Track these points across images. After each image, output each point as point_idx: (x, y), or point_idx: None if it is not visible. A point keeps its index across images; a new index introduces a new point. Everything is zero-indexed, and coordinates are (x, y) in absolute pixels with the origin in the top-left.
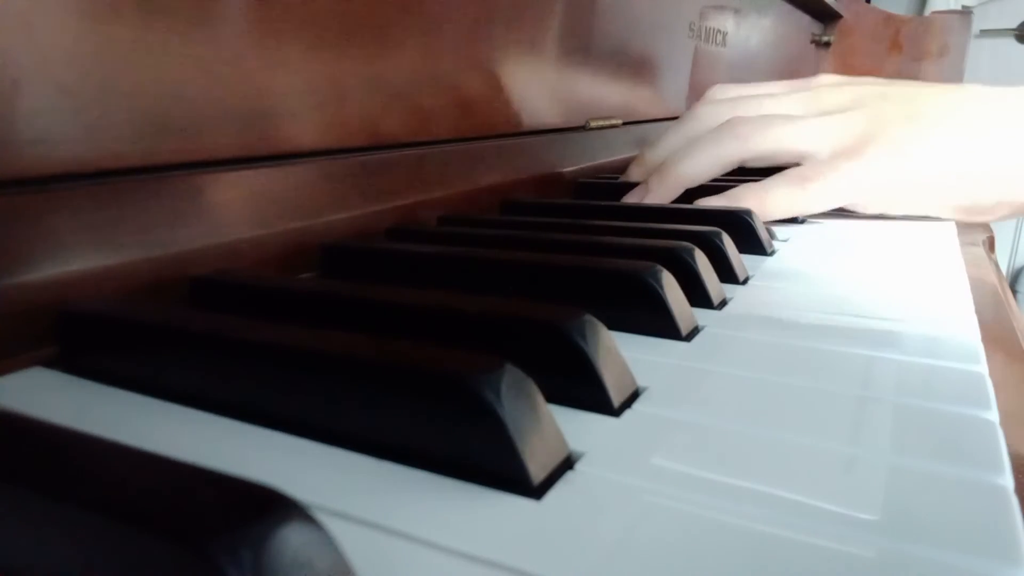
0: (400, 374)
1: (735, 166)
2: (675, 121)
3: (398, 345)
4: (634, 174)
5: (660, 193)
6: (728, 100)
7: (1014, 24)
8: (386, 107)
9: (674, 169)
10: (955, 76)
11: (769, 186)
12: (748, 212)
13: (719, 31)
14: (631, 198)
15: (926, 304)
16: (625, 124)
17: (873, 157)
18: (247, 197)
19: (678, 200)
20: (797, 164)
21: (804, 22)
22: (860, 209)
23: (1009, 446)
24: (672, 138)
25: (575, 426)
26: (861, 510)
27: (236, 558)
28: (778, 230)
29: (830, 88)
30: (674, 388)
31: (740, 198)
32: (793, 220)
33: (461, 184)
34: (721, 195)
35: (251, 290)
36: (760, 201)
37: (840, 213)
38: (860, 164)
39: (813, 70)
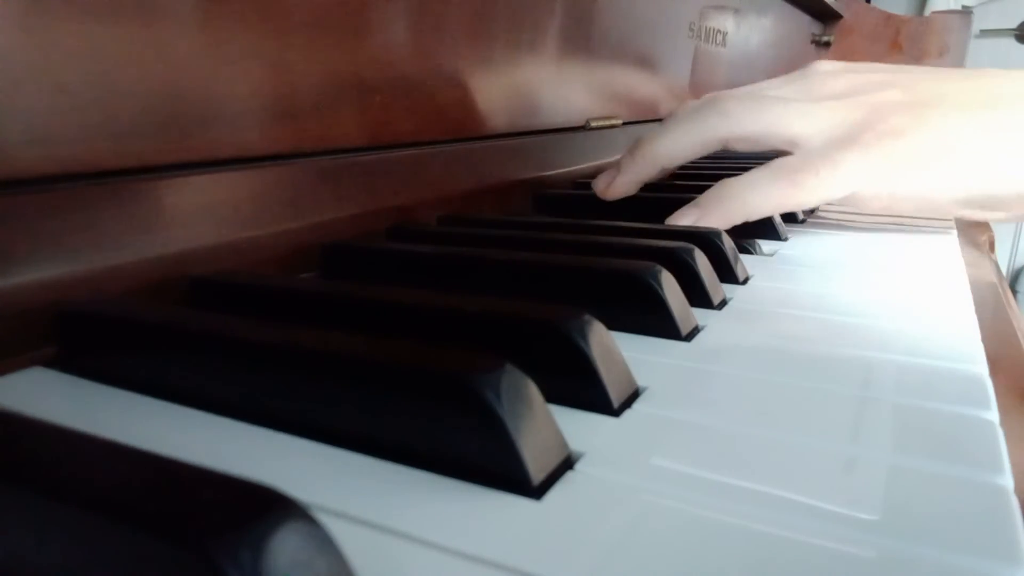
0: (400, 374)
1: (718, 147)
2: None
3: (398, 345)
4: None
5: (632, 172)
6: (715, 94)
7: (1014, 24)
8: (385, 107)
9: (648, 147)
10: None
11: (753, 180)
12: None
13: (719, 31)
14: (599, 183)
15: (926, 304)
16: (625, 124)
17: (871, 144)
18: (247, 197)
19: (656, 186)
20: (786, 152)
21: (804, 22)
22: (858, 205)
23: (1010, 447)
24: (654, 130)
25: (575, 426)
26: (861, 510)
27: (236, 558)
28: (765, 245)
29: (828, 74)
30: (674, 388)
31: (719, 197)
32: (794, 220)
33: (462, 184)
34: (693, 203)
35: (251, 290)
36: (742, 198)
37: (839, 223)
38: (856, 153)
39: None
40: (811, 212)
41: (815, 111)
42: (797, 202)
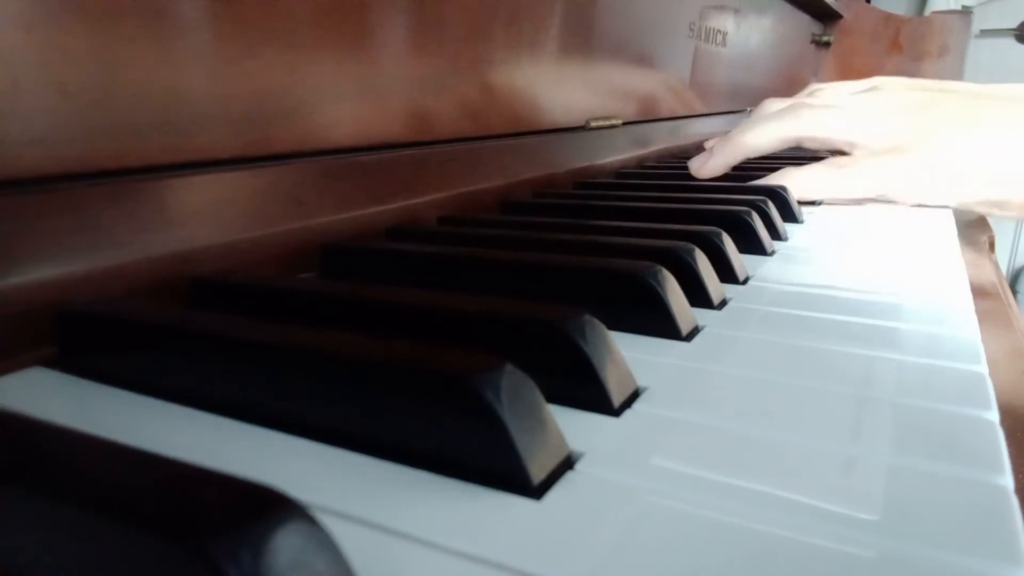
0: (400, 374)
1: (792, 143)
2: None
3: (398, 345)
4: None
5: (723, 156)
6: (794, 98)
7: (1014, 24)
8: (385, 107)
9: (739, 138)
10: (955, 76)
11: (807, 166)
12: (748, 212)
13: (719, 31)
14: (695, 161)
15: (926, 304)
16: (625, 124)
17: (913, 157)
18: (247, 197)
19: (729, 176)
20: (845, 153)
21: (804, 22)
22: (897, 199)
23: (1010, 448)
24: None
25: (575, 426)
26: (861, 510)
27: (236, 558)
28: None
29: (891, 91)
30: (674, 388)
31: (780, 175)
32: (794, 220)
33: (461, 184)
34: (771, 175)
35: (251, 290)
36: (795, 178)
37: (838, 224)
38: (899, 161)
39: (813, 70)
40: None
41: (872, 124)
42: (837, 188)
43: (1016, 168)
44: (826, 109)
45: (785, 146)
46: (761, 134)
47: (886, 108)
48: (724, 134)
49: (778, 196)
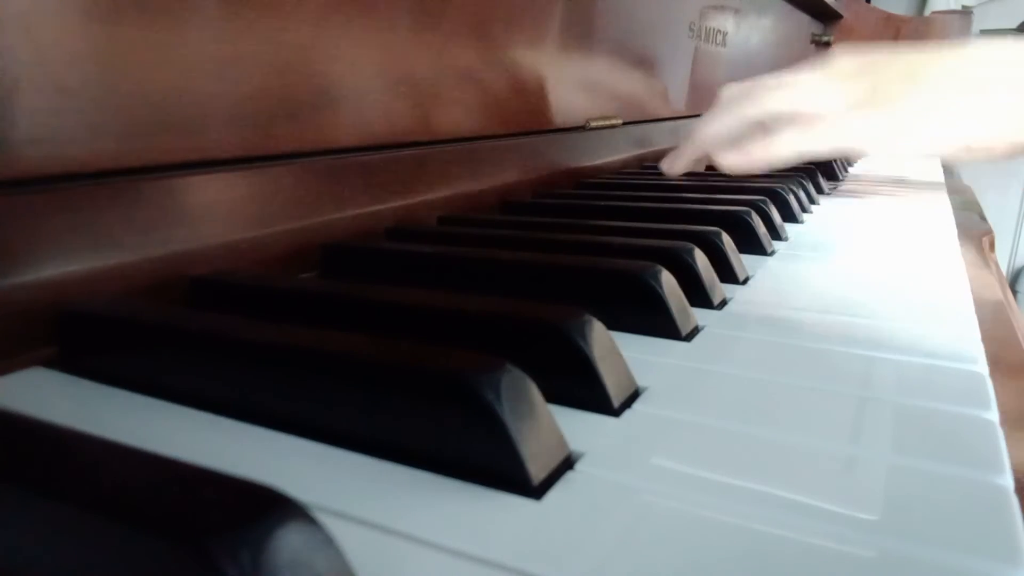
0: (400, 374)
1: (754, 126)
2: None
3: (398, 345)
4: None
5: (688, 151)
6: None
7: (1014, 24)
8: (385, 107)
9: (700, 129)
10: None
11: (777, 132)
12: (748, 212)
13: (719, 31)
14: (666, 162)
15: (926, 304)
16: (625, 124)
17: (876, 106)
18: (247, 197)
19: (702, 174)
20: None
21: (804, 22)
22: (866, 152)
23: (1010, 447)
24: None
25: (575, 426)
26: (861, 510)
27: (236, 558)
28: (779, 233)
29: (840, 58)
30: (674, 388)
31: (750, 152)
32: (794, 220)
33: (462, 184)
34: (736, 149)
35: (251, 290)
36: (767, 144)
37: (838, 226)
38: (865, 116)
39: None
40: (802, 221)
41: (831, 88)
42: (811, 146)
43: (973, 109)
44: (779, 85)
45: (745, 130)
46: (722, 120)
47: (836, 73)
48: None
49: (778, 196)
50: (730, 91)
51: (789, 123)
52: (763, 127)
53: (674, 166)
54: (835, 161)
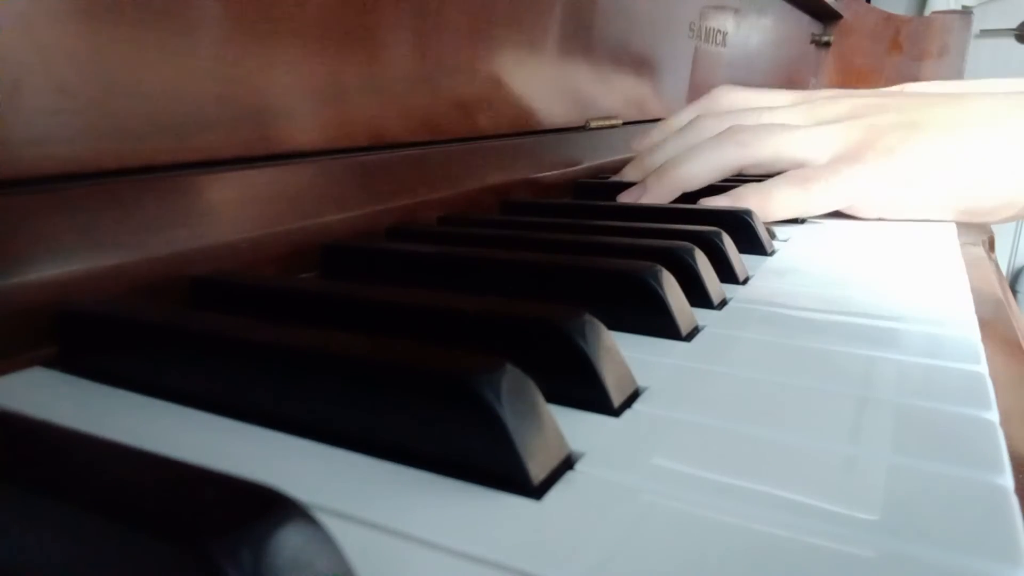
0: (400, 374)
1: (734, 172)
2: (675, 126)
3: (398, 345)
4: (630, 175)
5: (658, 193)
6: (729, 113)
7: (1014, 24)
8: (385, 107)
9: (674, 171)
10: (955, 76)
11: (772, 186)
12: (748, 212)
13: (719, 31)
14: (627, 197)
15: (926, 304)
16: (625, 124)
17: (871, 162)
18: (247, 197)
19: (676, 202)
20: None
21: (804, 22)
22: (860, 213)
23: (1010, 446)
24: (671, 146)
25: (575, 426)
26: (861, 510)
27: (236, 558)
28: (778, 230)
29: (828, 100)
30: (674, 388)
31: (743, 197)
32: (794, 220)
33: (462, 184)
34: (725, 195)
35: (251, 290)
36: (763, 201)
37: (840, 215)
38: (858, 169)
39: (813, 70)
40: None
41: (819, 135)
42: (805, 207)
43: (975, 168)
44: (765, 129)
45: (726, 175)
46: (699, 165)
47: (826, 116)
48: (646, 153)
49: None
50: (726, 96)
51: (783, 176)
52: (743, 172)
53: (643, 200)
54: None
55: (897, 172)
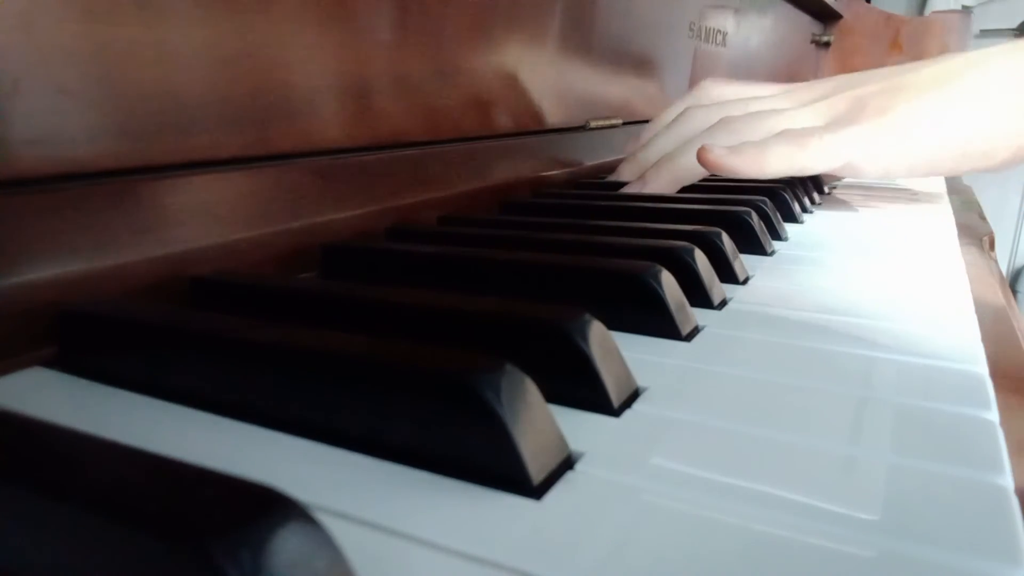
0: (400, 374)
1: None
2: (665, 121)
3: (398, 345)
4: (625, 173)
5: (657, 187)
6: (717, 104)
7: (1014, 24)
8: (385, 107)
9: (671, 164)
10: None
11: (769, 143)
12: (748, 212)
13: (719, 31)
14: (634, 185)
15: (926, 304)
16: (625, 124)
17: (865, 122)
18: (247, 197)
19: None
20: None
21: (804, 22)
22: (861, 172)
23: (1009, 448)
24: (664, 139)
25: (575, 426)
26: (861, 510)
27: (236, 558)
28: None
29: (811, 84)
30: (674, 388)
31: (740, 152)
32: (794, 220)
33: (462, 184)
34: (726, 147)
35: (251, 290)
36: (759, 156)
37: (840, 209)
38: (854, 128)
39: (813, 70)
40: (802, 221)
41: (809, 112)
42: (801, 164)
43: (960, 119)
44: (757, 115)
45: None
46: (696, 157)
47: (812, 97)
48: (639, 146)
49: (778, 196)
50: (713, 89)
51: (781, 133)
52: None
53: (645, 191)
54: None
55: (893, 127)
